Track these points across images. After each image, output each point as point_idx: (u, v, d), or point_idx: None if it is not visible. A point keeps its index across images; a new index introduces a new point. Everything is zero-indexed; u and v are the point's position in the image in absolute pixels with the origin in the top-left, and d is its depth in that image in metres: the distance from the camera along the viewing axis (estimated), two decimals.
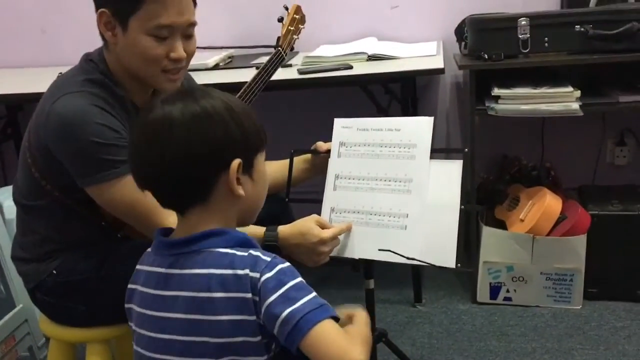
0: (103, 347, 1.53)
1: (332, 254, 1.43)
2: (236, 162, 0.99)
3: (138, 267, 1.08)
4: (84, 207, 1.41)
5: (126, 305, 1.09)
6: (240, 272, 0.96)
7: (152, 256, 1.06)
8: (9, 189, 2.23)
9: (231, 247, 1.00)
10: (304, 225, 1.39)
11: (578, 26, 2.03)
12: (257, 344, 0.97)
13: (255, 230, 1.35)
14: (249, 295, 0.95)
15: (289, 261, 1.00)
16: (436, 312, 2.22)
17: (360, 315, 1.06)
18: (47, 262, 1.45)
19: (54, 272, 1.44)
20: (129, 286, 1.08)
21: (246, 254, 0.99)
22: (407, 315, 2.21)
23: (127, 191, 1.29)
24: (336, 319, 0.97)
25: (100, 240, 1.45)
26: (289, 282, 0.96)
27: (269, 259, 0.98)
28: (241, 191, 1.01)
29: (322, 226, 1.40)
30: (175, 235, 1.05)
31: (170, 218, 1.21)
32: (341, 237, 1.44)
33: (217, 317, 0.96)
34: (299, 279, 0.98)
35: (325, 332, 0.94)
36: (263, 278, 0.95)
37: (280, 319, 0.94)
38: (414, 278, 2.28)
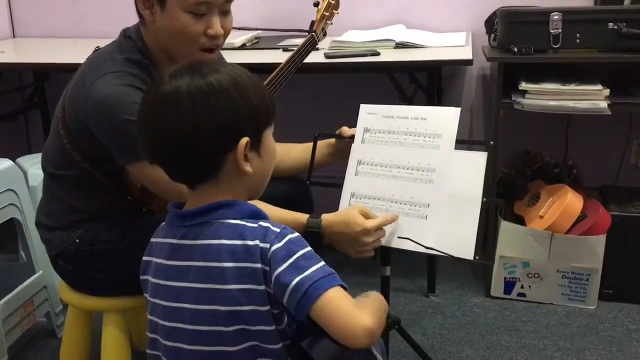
0: (119, 317, 1.55)
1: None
2: (244, 140, 0.99)
3: (152, 239, 1.10)
4: (112, 181, 1.43)
5: (142, 277, 1.11)
6: (250, 242, 0.98)
7: (165, 228, 1.08)
8: (33, 157, 2.27)
9: (241, 218, 1.01)
10: (348, 214, 1.37)
11: (611, 23, 1.99)
12: (266, 313, 0.98)
13: (298, 217, 1.36)
14: (259, 265, 0.97)
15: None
16: (449, 303, 2.22)
17: (375, 293, 1.08)
18: (71, 230, 1.47)
19: (77, 240, 1.46)
20: (144, 258, 1.10)
21: (256, 225, 1.00)
22: (420, 305, 2.22)
23: None
24: (344, 289, 0.98)
25: (125, 214, 1.47)
26: (298, 251, 0.97)
27: (278, 229, 0.99)
28: (248, 168, 1.01)
29: (366, 216, 1.38)
30: (186, 208, 1.06)
31: None
32: (387, 228, 1.41)
33: (227, 286, 0.98)
34: (308, 248, 0.99)
35: (335, 299, 0.95)
36: (273, 248, 0.97)
37: (290, 288, 0.95)
38: (428, 268, 2.28)
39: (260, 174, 1.06)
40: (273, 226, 1.00)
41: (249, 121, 1.00)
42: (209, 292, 0.99)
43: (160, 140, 0.99)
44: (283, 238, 0.98)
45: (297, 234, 1.00)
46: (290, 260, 0.96)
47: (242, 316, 0.98)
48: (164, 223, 1.09)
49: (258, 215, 1.03)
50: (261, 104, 1.02)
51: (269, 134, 1.05)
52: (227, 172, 1.01)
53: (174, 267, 1.03)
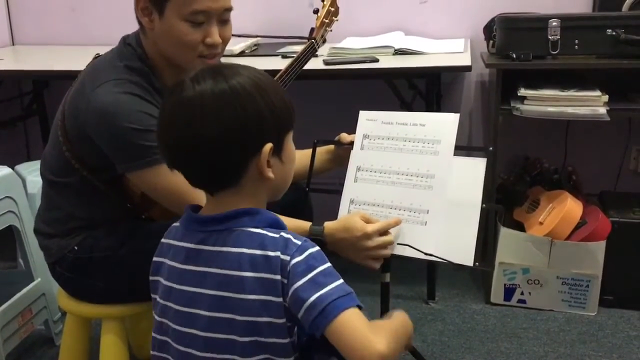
0: (118, 324, 1.54)
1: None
2: (268, 146, 0.99)
3: (164, 240, 1.08)
4: (111, 189, 1.43)
5: (152, 278, 1.09)
6: (271, 253, 0.97)
7: (180, 231, 1.06)
8: (32, 164, 2.27)
9: (262, 227, 1.00)
10: (348, 220, 1.37)
11: (610, 30, 2.00)
12: (281, 326, 0.97)
13: (301, 225, 1.36)
14: (278, 277, 0.96)
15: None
16: (449, 310, 2.21)
17: (398, 313, 1.06)
18: (69, 237, 1.47)
19: (75, 248, 1.45)
20: (155, 259, 1.09)
21: (278, 235, 0.99)
22: (420, 312, 2.21)
23: (168, 176, 1.30)
24: (360, 308, 0.97)
25: (124, 221, 1.47)
26: (318, 267, 0.96)
27: (299, 242, 0.98)
28: (271, 174, 1.01)
29: (367, 221, 1.37)
30: (205, 213, 1.05)
31: None
32: (393, 231, 1.40)
33: (245, 295, 0.97)
34: (328, 264, 0.98)
35: (351, 320, 0.93)
36: (293, 261, 0.96)
37: (307, 304, 0.94)
38: (428, 275, 2.27)
39: (282, 179, 1.05)
40: (294, 238, 0.99)
41: (272, 125, 0.99)
42: (226, 300, 0.98)
43: (184, 146, 0.98)
44: (304, 252, 0.97)
45: (317, 248, 0.99)
46: (310, 276, 0.95)
47: (258, 327, 0.97)
48: (176, 224, 1.08)
49: (279, 224, 1.03)
50: (283, 107, 1.01)
51: (289, 138, 1.05)
52: (249, 178, 1.00)
53: (189, 272, 1.02)
